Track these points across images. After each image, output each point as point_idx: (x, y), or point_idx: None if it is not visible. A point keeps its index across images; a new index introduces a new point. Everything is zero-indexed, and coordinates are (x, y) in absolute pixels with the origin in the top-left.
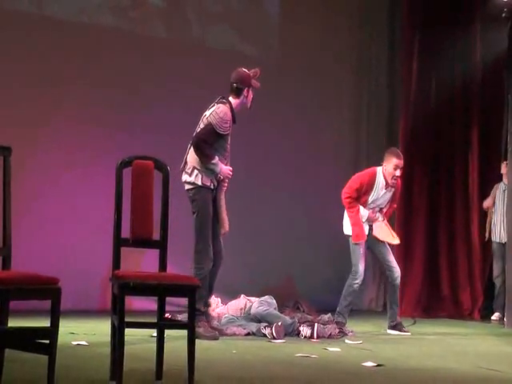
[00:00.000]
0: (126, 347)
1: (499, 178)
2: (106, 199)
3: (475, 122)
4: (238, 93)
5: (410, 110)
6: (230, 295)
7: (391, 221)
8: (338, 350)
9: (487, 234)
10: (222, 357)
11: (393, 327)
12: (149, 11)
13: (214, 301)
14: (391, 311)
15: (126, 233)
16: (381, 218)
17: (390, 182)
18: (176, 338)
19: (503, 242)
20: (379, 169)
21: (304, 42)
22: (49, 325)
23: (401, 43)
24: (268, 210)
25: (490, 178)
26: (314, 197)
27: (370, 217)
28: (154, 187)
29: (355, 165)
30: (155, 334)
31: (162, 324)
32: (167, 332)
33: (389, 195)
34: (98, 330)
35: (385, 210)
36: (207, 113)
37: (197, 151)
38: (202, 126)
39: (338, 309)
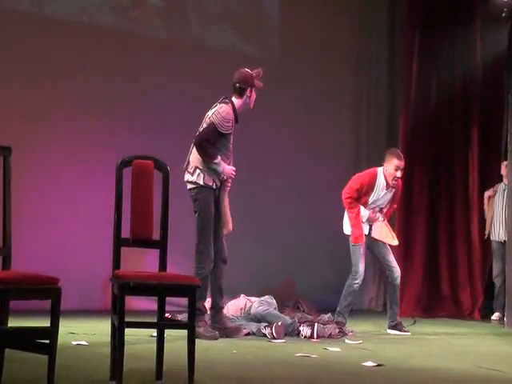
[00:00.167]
0: (126, 347)
1: (499, 179)
2: (106, 199)
3: (475, 122)
4: (240, 93)
5: (409, 110)
6: (230, 295)
7: (391, 221)
8: (338, 349)
9: (487, 232)
10: (222, 357)
11: (393, 327)
12: (149, 11)
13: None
14: (391, 311)
15: (126, 233)
16: (381, 218)
17: (390, 182)
18: (176, 338)
19: (502, 240)
20: (380, 169)
21: (304, 42)
22: (49, 325)
23: (401, 43)
24: (268, 209)
25: (490, 178)
26: (314, 197)
27: (371, 217)
28: (154, 187)
29: (355, 165)
30: (155, 334)
31: (162, 324)
32: (167, 332)
33: (389, 196)
34: (98, 329)
35: (385, 211)
36: (210, 113)
37: (199, 151)
38: (204, 125)
39: (338, 309)
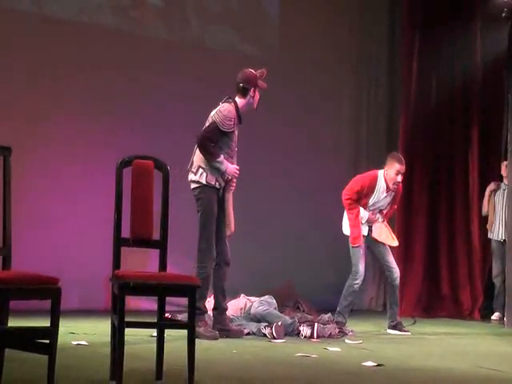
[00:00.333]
0: (126, 347)
1: (499, 179)
2: (106, 198)
3: (475, 122)
4: (244, 93)
5: (410, 110)
6: (230, 295)
7: (391, 221)
8: (338, 349)
9: (489, 230)
10: (221, 357)
11: (393, 327)
12: (149, 11)
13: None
14: (391, 311)
15: (126, 233)
16: (381, 219)
17: (391, 187)
18: (176, 338)
19: (502, 240)
20: (380, 172)
21: (304, 42)
22: (49, 325)
23: (401, 43)
24: (268, 209)
25: (490, 178)
26: (314, 196)
27: (370, 218)
28: (154, 187)
29: (355, 165)
30: (155, 334)
31: (162, 324)
32: (167, 332)
33: (389, 198)
34: (98, 329)
35: (385, 212)
36: (212, 112)
37: (201, 149)
38: (206, 124)
39: (338, 308)
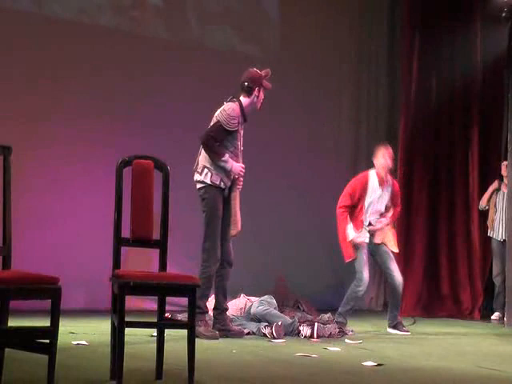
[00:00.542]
0: (126, 347)
1: (500, 179)
2: (106, 198)
3: (475, 122)
4: (248, 92)
5: (410, 110)
6: (230, 295)
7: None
8: (338, 349)
9: (489, 229)
10: (221, 356)
11: (393, 327)
12: (149, 11)
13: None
14: (391, 315)
15: (127, 232)
16: (384, 222)
17: (385, 177)
18: (176, 338)
19: (502, 240)
20: (371, 171)
21: (304, 42)
22: (49, 324)
23: (401, 43)
24: (267, 209)
25: (490, 178)
26: (313, 196)
27: (372, 229)
28: (154, 187)
29: (355, 165)
30: (155, 334)
31: (162, 324)
32: (167, 332)
33: (386, 197)
34: (98, 329)
35: (388, 215)
36: (217, 112)
37: (206, 148)
38: (211, 124)
39: (339, 309)
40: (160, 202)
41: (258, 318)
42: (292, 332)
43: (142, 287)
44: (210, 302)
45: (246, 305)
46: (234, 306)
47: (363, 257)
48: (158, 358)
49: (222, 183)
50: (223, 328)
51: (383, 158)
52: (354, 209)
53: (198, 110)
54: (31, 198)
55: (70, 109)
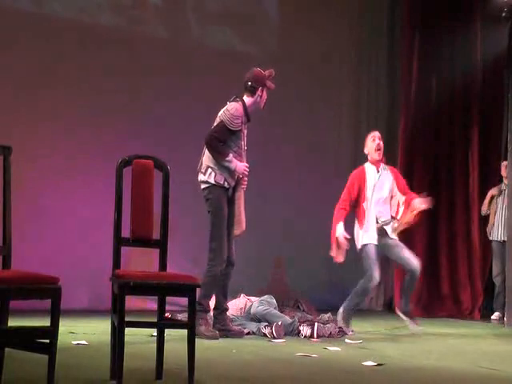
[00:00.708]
0: (126, 347)
1: (499, 179)
2: (107, 198)
3: (475, 122)
4: (252, 92)
5: (410, 110)
6: (230, 295)
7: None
8: (338, 349)
9: (489, 232)
10: (221, 356)
11: (404, 312)
12: (149, 11)
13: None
14: (405, 300)
15: (127, 232)
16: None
17: (376, 155)
18: (176, 338)
19: (501, 240)
20: (366, 163)
21: (304, 42)
22: (49, 324)
23: (401, 43)
24: (267, 209)
25: (490, 178)
26: (313, 196)
27: (378, 228)
28: (154, 186)
29: (355, 165)
30: (155, 334)
31: (162, 324)
32: (167, 331)
33: (388, 183)
34: (98, 329)
35: (401, 202)
36: (220, 112)
37: (209, 149)
38: (215, 124)
39: (343, 305)
40: (160, 202)
41: (258, 318)
42: (292, 332)
43: (141, 287)
44: (211, 302)
45: (246, 305)
46: (234, 306)
47: (372, 255)
48: (157, 357)
49: (226, 183)
50: (223, 328)
51: (372, 141)
52: (358, 205)
53: (198, 110)
54: (31, 197)
55: (70, 106)
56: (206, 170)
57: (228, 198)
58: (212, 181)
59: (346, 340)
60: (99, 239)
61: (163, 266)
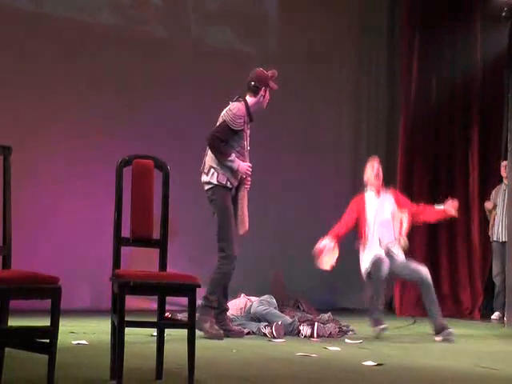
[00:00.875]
0: (126, 346)
1: (499, 179)
2: (107, 198)
3: (475, 122)
4: (255, 91)
5: (410, 110)
6: (230, 294)
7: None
8: (338, 349)
9: (490, 234)
10: (221, 356)
11: (438, 333)
12: (149, 11)
13: None
14: (433, 319)
15: (127, 232)
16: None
17: (375, 182)
18: (176, 338)
19: (501, 241)
20: (366, 191)
21: (303, 42)
22: (49, 324)
23: (401, 43)
24: (267, 209)
25: (490, 178)
26: (313, 196)
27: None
28: (154, 186)
29: (355, 165)
30: (155, 334)
31: (162, 323)
32: (167, 331)
33: (388, 205)
34: (98, 329)
35: (399, 221)
36: (223, 112)
37: (212, 149)
38: (217, 124)
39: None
40: (160, 202)
41: (258, 318)
42: (292, 332)
43: (141, 287)
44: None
45: (246, 305)
46: (234, 306)
47: (381, 280)
48: (157, 357)
49: (229, 183)
50: (223, 328)
51: (371, 170)
52: (359, 231)
53: (198, 109)
54: (31, 197)
55: (70, 105)
56: (209, 171)
57: (231, 197)
58: (215, 181)
59: (346, 340)
60: (99, 239)
61: (163, 265)
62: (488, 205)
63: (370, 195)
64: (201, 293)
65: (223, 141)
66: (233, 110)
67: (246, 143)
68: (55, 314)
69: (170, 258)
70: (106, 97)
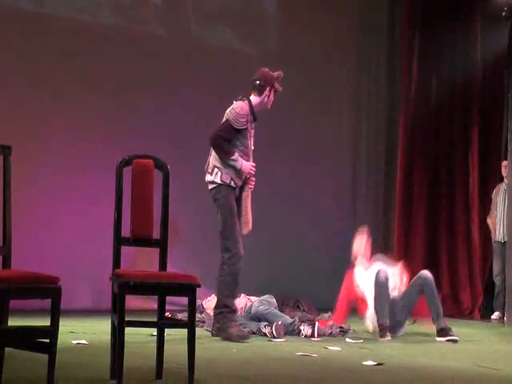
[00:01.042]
0: (126, 346)
1: (500, 179)
2: (107, 198)
3: (475, 122)
4: (260, 90)
5: (409, 110)
6: None
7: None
8: (339, 348)
9: (492, 234)
10: (222, 356)
11: (440, 334)
12: (148, 11)
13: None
14: (437, 322)
15: (127, 232)
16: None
17: (364, 254)
18: (176, 337)
19: (502, 241)
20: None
21: (303, 42)
22: (49, 324)
23: (400, 43)
24: (267, 209)
25: (490, 178)
26: (313, 196)
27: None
28: (154, 186)
29: (355, 165)
30: (155, 333)
31: (162, 323)
32: (167, 331)
33: (384, 269)
34: (98, 329)
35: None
36: (227, 111)
37: (215, 148)
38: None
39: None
40: (160, 202)
41: (258, 318)
42: (292, 331)
43: (141, 287)
44: (211, 301)
45: (246, 304)
46: None
47: (384, 287)
48: (158, 357)
49: (233, 182)
50: (223, 328)
51: (360, 244)
52: (359, 299)
53: (198, 109)
54: (32, 197)
55: (70, 104)
56: (213, 170)
57: (235, 197)
58: (218, 180)
59: (347, 339)
60: (99, 239)
61: (163, 265)
62: (489, 222)
63: (359, 271)
64: (201, 293)
65: (226, 140)
66: (236, 108)
67: (250, 143)
68: (55, 313)
69: (169, 257)
70: (105, 96)
